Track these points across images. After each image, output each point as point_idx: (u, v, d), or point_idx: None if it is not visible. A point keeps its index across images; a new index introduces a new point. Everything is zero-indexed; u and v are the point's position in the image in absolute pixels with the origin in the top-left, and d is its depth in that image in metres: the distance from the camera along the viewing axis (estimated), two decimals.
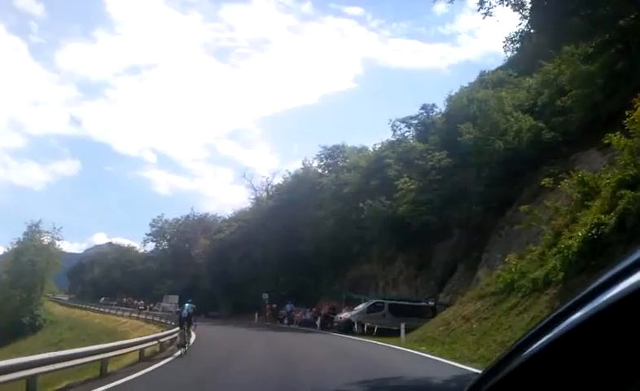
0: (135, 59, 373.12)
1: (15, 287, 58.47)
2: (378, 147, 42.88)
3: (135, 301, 71.03)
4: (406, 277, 35.94)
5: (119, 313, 52.06)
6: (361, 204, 36.47)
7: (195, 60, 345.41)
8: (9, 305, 57.78)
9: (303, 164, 54.48)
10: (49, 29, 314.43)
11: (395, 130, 43.51)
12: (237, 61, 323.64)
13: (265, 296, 47.22)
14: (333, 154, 52.28)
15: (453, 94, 40.27)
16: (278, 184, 58.81)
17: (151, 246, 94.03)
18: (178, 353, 16.28)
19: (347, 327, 29.39)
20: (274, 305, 45.03)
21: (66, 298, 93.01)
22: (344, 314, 31.57)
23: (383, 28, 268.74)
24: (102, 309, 59.43)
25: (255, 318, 46.08)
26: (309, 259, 46.71)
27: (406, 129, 43.91)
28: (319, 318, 35.27)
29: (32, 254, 60.06)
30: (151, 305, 68.38)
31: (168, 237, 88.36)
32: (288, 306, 41.95)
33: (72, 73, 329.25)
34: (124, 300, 79.42)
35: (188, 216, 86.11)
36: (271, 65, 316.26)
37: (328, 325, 33.31)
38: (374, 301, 30.83)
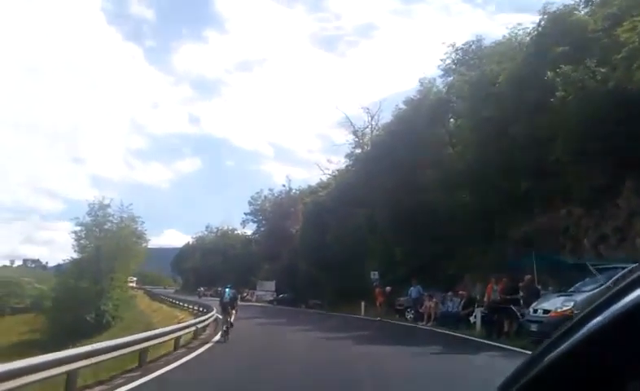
0: (245, 55, 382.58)
1: (81, 279, 49.28)
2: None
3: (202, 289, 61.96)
4: None
5: (184, 306, 40.02)
6: (548, 73, 18.68)
7: (302, 52, 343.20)
8: (76, 300, 48.69)
9: (420, 83, 36.26)
10: (161, 33, 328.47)
11: None
12: (344, 49, 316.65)
13: (375, 275, 31.34)
14: (465, 58, 34.17)
15: None
16: (385, 124, 41.89)
17: (252, 227, 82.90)
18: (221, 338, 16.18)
19: None
20: (388, 288, 29.13)
21: (172, 290, 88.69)
22: (553, 301, 13.47)
23: (489, 3, 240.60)
24: (176, 302, 48.00)
25: (361, 308, 30.65)
26: (438, 217, 29.39)
27: None
28: (477, 312, 18.46)
29: (95, 238, 50.21)
30: (244, 294, 57.29)
31: (269, 215, 76.06)
32: (413, 290, 25.58)
33: (187, 73, 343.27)
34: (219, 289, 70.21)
35: (284, 186, 73.35)
36: (379, 51, 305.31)
37: (505, 327, 16.02)
38: (630, 267, 11.51)
